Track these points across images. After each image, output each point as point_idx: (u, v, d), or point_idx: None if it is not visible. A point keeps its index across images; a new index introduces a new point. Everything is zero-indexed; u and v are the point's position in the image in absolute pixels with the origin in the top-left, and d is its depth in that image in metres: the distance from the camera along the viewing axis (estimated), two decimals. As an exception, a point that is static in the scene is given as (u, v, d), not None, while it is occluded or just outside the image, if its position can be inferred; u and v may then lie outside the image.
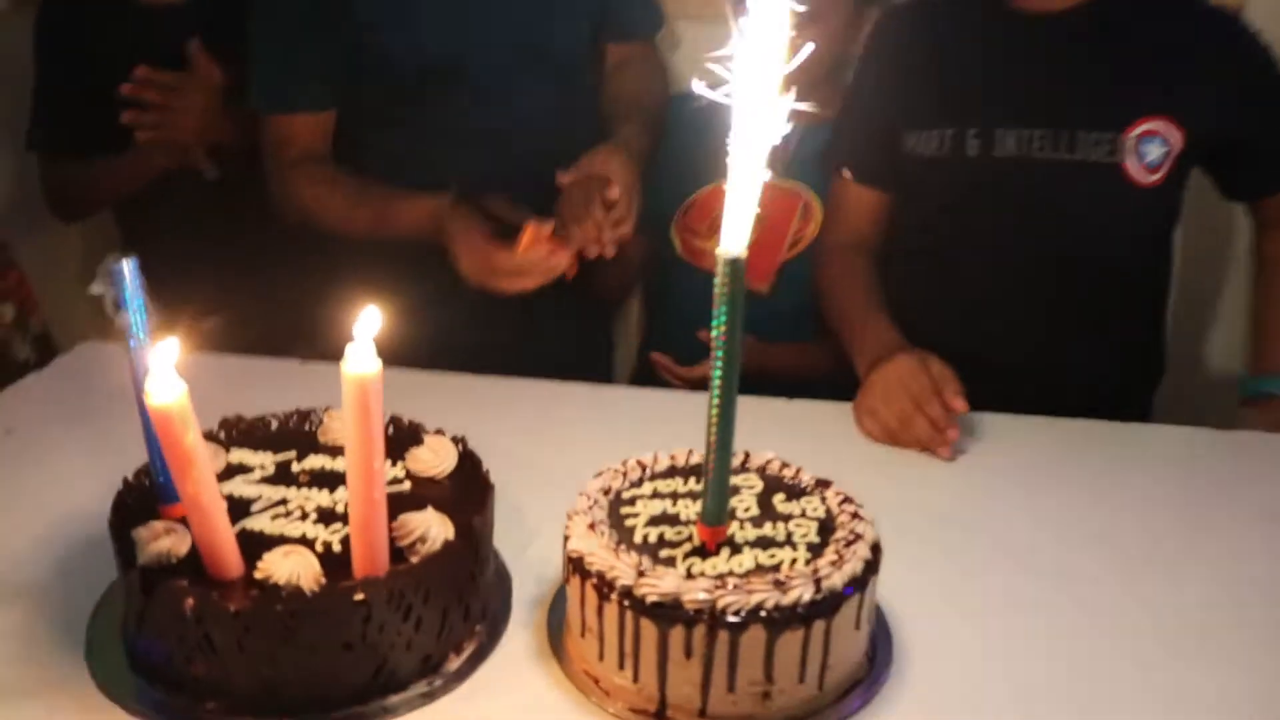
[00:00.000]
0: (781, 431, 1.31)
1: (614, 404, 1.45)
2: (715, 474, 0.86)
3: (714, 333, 0.81)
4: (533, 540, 1.10)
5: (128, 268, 0.86)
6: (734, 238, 0.79)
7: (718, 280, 0.79)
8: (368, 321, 0.81)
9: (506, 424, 1.34)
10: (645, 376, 1.80)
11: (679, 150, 1.71)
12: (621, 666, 0.87)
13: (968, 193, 1.51)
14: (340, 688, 0.87)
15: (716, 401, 0.83)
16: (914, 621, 0.99)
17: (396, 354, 1.44)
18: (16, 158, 1.93)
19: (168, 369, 0.78)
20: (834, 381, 1.49)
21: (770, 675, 0.84)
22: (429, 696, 0.89)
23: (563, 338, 1.74)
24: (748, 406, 1.33)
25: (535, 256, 1.41)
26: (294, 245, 1.74)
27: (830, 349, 1.59)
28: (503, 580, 1.03)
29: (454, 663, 0.92)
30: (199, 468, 0.81)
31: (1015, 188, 1.48)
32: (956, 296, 1.54)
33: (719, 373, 0.82)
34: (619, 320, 2.03)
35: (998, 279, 1.52)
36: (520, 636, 0.97)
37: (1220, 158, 1.51)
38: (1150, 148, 1.45)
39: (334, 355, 0.82)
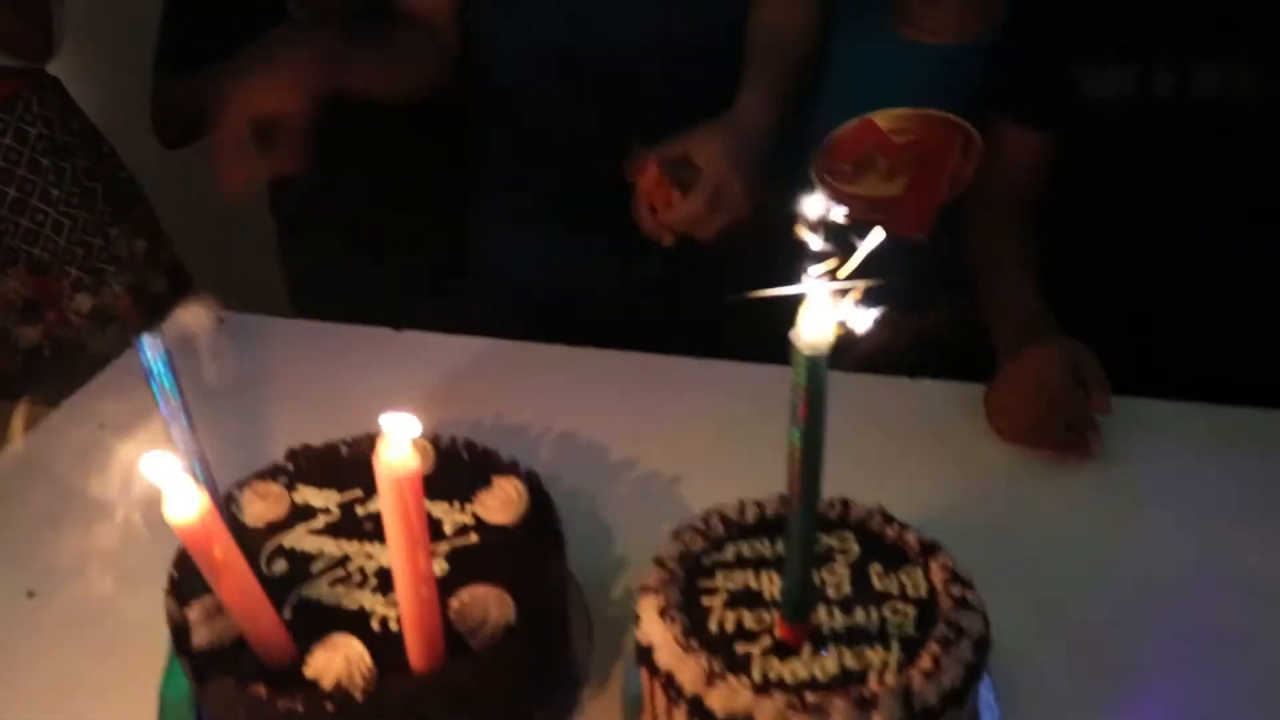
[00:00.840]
0: (898, 418, 1.20)
1: (729, 384, 1.31)
2: (796, 574, 0.76)
3: (794, 437, 0.70)
4: (620, 571, 1.03)
5: (150, 345, 0.80)
6: (815, 330, 0.67)
7: (794, 373, 0.68)
8: (401, 420, 0.73)
9: (606, 407, 1.26)
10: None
11: (819, 81, 1.52)
12: (695, 767, 0.80)
13: (1156, 142, 1.26)
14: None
15: (800, 508, 0.72)
16: (1029, 687, 0.89)
17: (520, 316, 1.39)
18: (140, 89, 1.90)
19: (182, 480, 0.72)
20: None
21: (854, 795, 0.76)
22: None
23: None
24: (863, 385, 1.22)
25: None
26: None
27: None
28: (581, 629, 0.97)
29: (523, 736, 0.87)
30: (233, 575, 0.76)
31: (1217, 135, 1.23)
32: (1131, 261, 1.31)
33: (801, 471, 0.71)
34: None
35: (1185, 242, 1.28)
36: (595, 704, 0.91)
37: None
38: None
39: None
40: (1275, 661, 0.92)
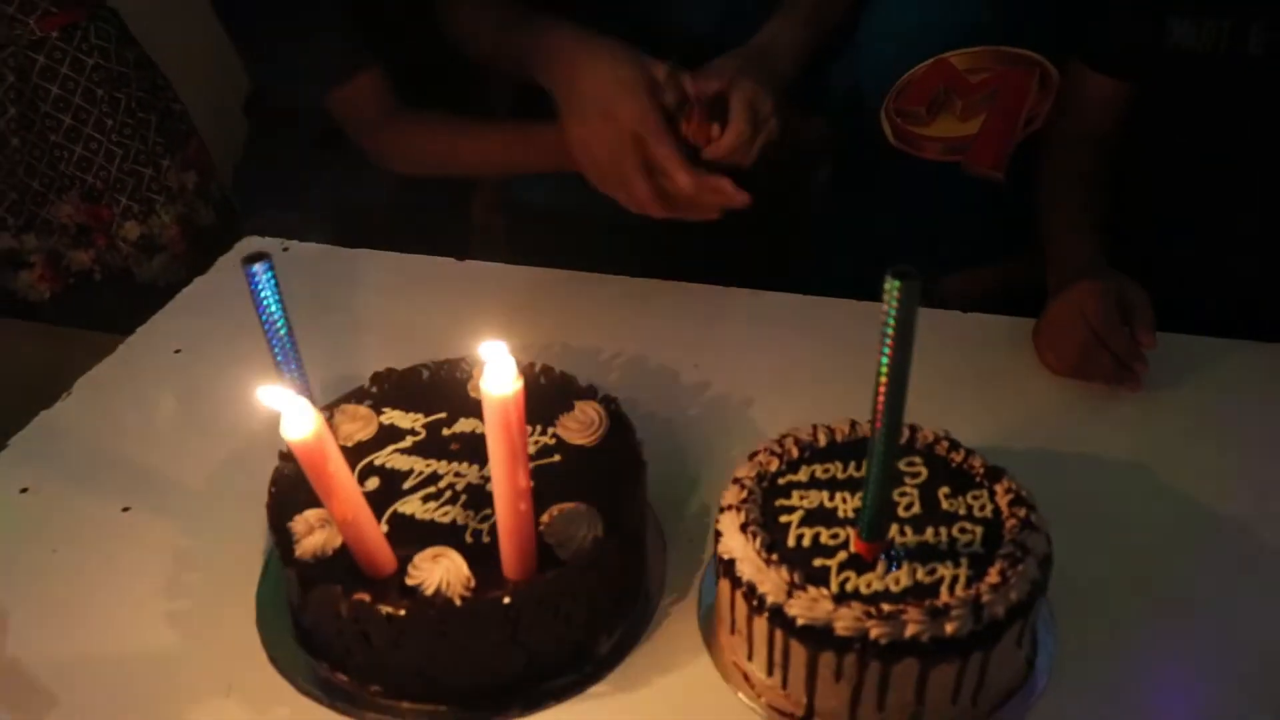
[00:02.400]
0: (950, 351, 1.23)
1: (788, 316, 1.34)
2: (875, 494, 0.81)
3: (882, 361, 0.74)
4: (693, 490, 1.08)
5: (261, 270, 0.84)
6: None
7: (886, 306, 0.72)
8: (499, 346, 0.77)
9: (672, 337, 1.29)
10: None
11: (887, 15, 1.52)
12: (770, 673, 0.85)
13: (1245, 96, 1.29)
14: (494, 677, 0.88)
15: (883, 430, 0.77)
16: (1081, 606, 0.94)
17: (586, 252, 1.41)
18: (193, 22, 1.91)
19: (296, 401, 0.77)
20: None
21: (922, 699, 0.81)
22: (580, 684, 0.90)
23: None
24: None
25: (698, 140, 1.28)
26: None
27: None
28: (656, 545, 1.02)
29: (604, 646, 0.92)
30: (343, 489, 0.81)
31: None
32: (1211, 209, 1.35)
33: (885, 397, 0.76)
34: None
35: (1268, 192, 1.32)
36: (672, 614, 0.96)
37: None
38: None
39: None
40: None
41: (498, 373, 0.77)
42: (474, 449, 0.98)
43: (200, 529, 1.06)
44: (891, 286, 0.71)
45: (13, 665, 0.94)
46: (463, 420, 1.02)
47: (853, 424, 0.96)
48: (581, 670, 0.91)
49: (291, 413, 0.76)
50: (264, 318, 0.85)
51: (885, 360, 0.73)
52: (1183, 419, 1.15)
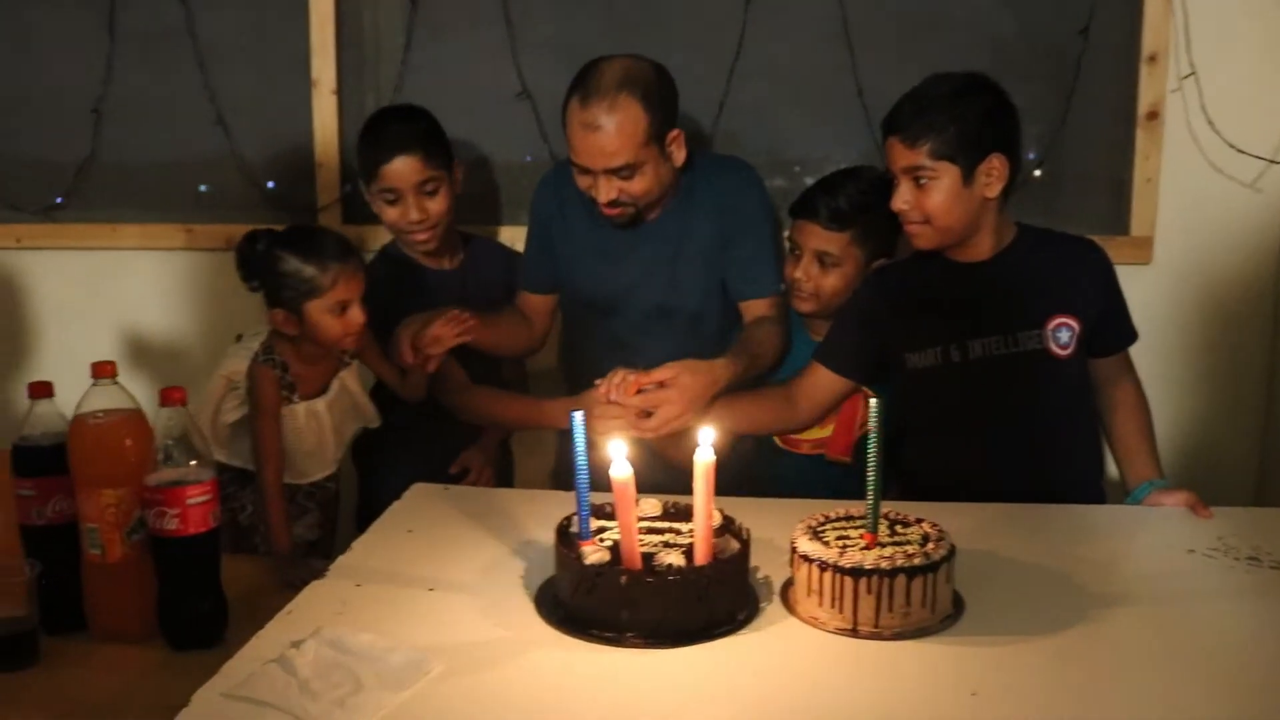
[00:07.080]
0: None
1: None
2: (872, 511, 1.75)
3: (869, 449, 1.72)
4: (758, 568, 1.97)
5: (578, 419, 1.75)
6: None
7: (871, 419, 1.71)
8: (708, 433, 1.71)
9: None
10: None
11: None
12: (833, 606, 1.72)
13: (957, 385, 2.45)
14: (692, 624, 1.71)
15: (871, 486, 1.73)
16: (979, 598, 1.85)
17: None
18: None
19: (622, 461, 1.67)
20: None
21: (909, 603, 1.70)
22: (729, 630, 1.74)
23: None
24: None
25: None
26: None
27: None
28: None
29: (741, 614, 1.77)
30: (631, 509, 1.69)
31: (986, 375, 2.43)
32: (954, 445, 2.48)
33: (871, 472, 1.73)
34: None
35: (981, 431, 2.46)
36: (768, 606, 1.82)
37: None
38: (1061, 334, 2.40)
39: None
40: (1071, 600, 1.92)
41: (705, 452, 1.70)
42: (660, 531, 1.86)
43: (492, 603, 1.87)
44: (874, 404, 1.71)
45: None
46: (641, 523, 1.90)
47: (849, 507, 1.90)
48: (732, 625, 1.75)
49: (619, 464, 1.67)
50: (576, 454, 1.75)
51: (871, 449, 1.70)
52: (992, 554, 2.13)
